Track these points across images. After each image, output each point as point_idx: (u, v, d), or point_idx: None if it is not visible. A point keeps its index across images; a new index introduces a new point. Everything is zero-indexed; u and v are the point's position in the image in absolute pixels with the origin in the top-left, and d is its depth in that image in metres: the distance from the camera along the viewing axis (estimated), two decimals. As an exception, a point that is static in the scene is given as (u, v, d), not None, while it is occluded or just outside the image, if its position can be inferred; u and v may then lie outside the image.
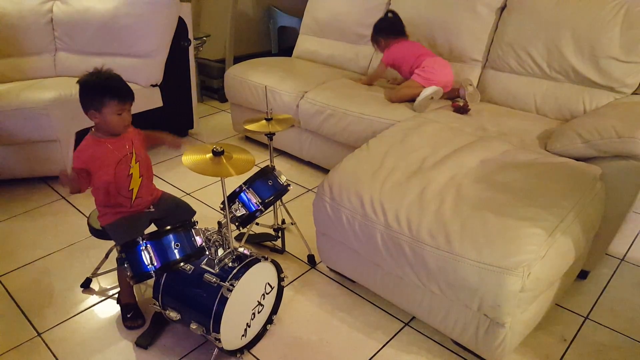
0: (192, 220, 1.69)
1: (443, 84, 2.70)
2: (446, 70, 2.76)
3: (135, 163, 1.88)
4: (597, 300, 2.06)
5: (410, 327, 1.93)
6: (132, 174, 1.87)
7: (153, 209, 1.98)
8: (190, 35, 3.38)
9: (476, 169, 1.89)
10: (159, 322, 1.91)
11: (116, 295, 2.07)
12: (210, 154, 1.61)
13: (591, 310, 2.00)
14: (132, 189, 1.88)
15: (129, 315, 1.93)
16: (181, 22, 3.27)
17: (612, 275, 2.19)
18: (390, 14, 2.98)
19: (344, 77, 3.23)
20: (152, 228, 1.91)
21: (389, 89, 2.89)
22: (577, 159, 1.98)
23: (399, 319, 1.96)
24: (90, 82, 1.75)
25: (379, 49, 3.02)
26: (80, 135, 2.74)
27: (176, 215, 2.00)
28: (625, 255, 2.32)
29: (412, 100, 2.69)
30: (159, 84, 3.27)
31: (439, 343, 1.85)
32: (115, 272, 2.15)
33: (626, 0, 2.38)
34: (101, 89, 1.74)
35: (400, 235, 1.68)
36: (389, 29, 2.95)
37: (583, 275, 2.14)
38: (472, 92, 2.66)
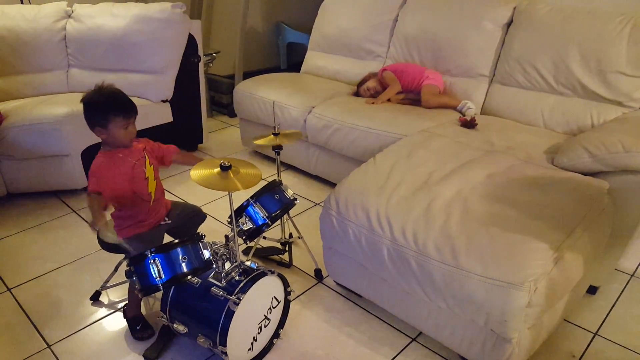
0: (200, 234, 1.70)
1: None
2: (440, 77, 3.04)
3: (150, 166, 1.90)
4: (606, 316, 2.03)
5: (417, 342, 1.92)
6: (148, 177, 1.89)
7: (169, 221, 2.00)
8: (200, 52, 3.44)
9: (483, 184, 1.89)
10: (166, 335, 1.92)
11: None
12: (218, 169, 1.63)
13: (601, 326, 1.98)
14: (151, 192, 1.90)
15: (138, 327, 1.95)
16: (191, 39, 3.33)
17: (622, 291, 2.17)
18: None
19: (351, 93, 3.26)
20: (166, 237, 1.93)
21: (429, 94, 2.95)
22: (585, 174, 1.97)
23: (406, 334, 1.95)
24: (94, 100, 1.77)
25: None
26: (88, 154, 2.80)
27: (189, 221, 2.04)
28: (635, 271, 2.30)
29: (445, 107, 2.91)
30: (169, 99, 3.32)
31: (445, 358, 1.84)
32: (124, 285, 2.17)
33: (632, 15, 2.39)
34: (105, 106, 1.76)
35: (407, 250, 1.68)
36: None
37: (592, 290, 2.12)
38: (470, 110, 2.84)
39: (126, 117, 1.78)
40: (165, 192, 2.10)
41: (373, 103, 3.02)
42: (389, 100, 3.06)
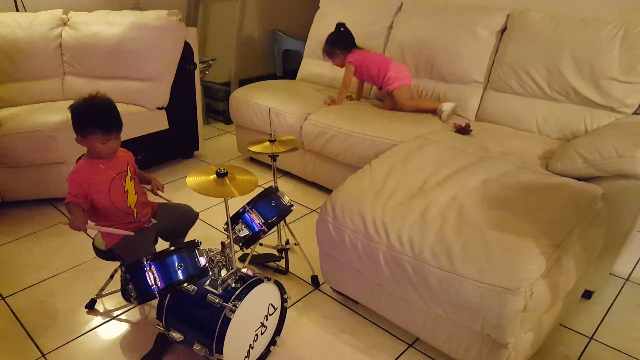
0: (196, 241, 1.70)
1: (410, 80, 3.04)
2: (406, 71, 3.07)
3: (130, 181, 1.92)
4: (602, 321, 2.04)
5: (414, 348, 1.92)
6: (127, 190, 1.90)
7: (155, 221, 2.00)
8: (196, 59, 3.44)
9: (478, 189, 1.90)
10: (162, 343, 1.91)
11: (121, 316, 2.09)
12: (214, 175, 1.63)
13: (596, 331, 1.99)
14: (130, 205, 1.91)
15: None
16: (187, 46, 3.33)
17: (617, 295, 2.18)
18: (342, 28, 3.16)
19: (346, 100, 3.28)
20: (162, 244, 1.93)
21: (405, 99, 2.99)
22: (579, 179, 1.99)
23: (402, 340, 1.95)
24: (78, 111, 1.80)
25: (334, 61, 3.18)
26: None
27: (180, 220, 2.05)
28: (630, 275, 2.31)
29: (422, 111, 2.95)
30: (165, 106, 3.32)
31: (443, 364, 1.84)
32: (120, 293, 2.16)
33: (624, 21, 2.41)
34: (86, 119, 1.78)
35: (403, 255, 1.68)
36: (346, 40, 3.15)
37: (587, 295, 2.13)
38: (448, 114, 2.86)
39: (106, 134, 1.79)
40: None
41: (329, 104, 3.12)
42: (355, 97, 3.26)
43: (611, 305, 2.13)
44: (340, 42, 3.14)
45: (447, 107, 2.85)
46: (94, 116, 1.78)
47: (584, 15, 2.56)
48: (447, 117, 2.84)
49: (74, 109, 1.80)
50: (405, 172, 2.05)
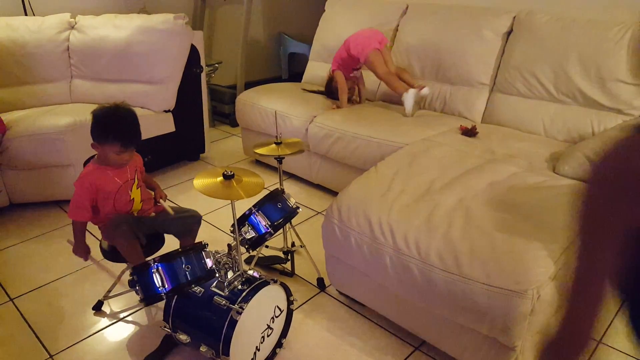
0: (203, 243, 1.71)
1: (377, 43, 3.03)
2: (373, 33, 3.10)
3: (137, 189, 1.92)
4: (610, 324, 2.02)
5: (421, 351, 1.91)
6: (133, 199, 1.91)
7: (154, 214, 2.01)
8: (203, 62, 3.46)
9: (484, 192, 1.90)
10: (168, 344, 1.91)
11: (128, 318, 2.09)
12: (221, 178, 1.64)
13: (604, 334, 1.97)
14: (134, 212, 1.93)
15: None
16: (193, 50, 3.35)
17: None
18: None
19: (348, 105, 3.29)
20: (167, 248, 1.93)
21: (381, 67, 3.02)
22: (586, 181, 1.97)
23: (409, 343, 1.95)
24: (102, 118, 1.79)
25: (334, 86, 3.26)
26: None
27: (180, 220, 2.03)
28: (638, 278, 2.29)
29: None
30: (171, 109, 3.34)
31: (449, 367, 1.83)
32: (126, 295, 2.17)
33: (631, 23, 2.41)
34: (107, 128, 1.78)
35: (409, 258, 1.68)
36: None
37: (595, 298, 2.11)
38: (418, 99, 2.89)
39: (123, 147, 1.80)
40: (168, 201, 2.11)
41: (333, 108, 3.14)
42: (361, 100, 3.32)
43: (619, 308, 2.11)
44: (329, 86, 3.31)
45: (409, 97, 2.88)
46: (115, 127, 1.78)
47: (590, 17, 2.55)
48: (413, 110, 2.88)
49: (96, 115, 1.79)
50: (411, 174, 2.05)
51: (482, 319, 1.54)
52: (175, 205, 2.12)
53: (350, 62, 3.13)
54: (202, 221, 2.11)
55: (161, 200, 2.03)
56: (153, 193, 2.09)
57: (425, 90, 2.92)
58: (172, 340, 1.88)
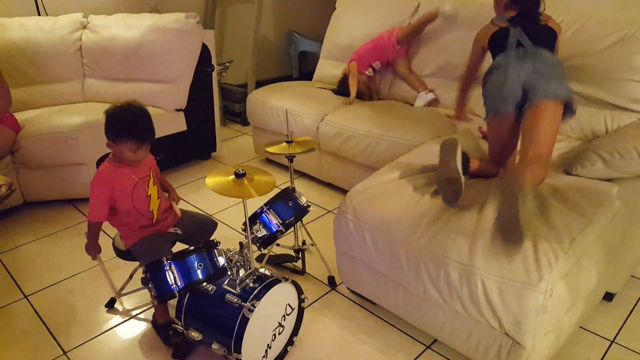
0: (215, 241, 1.72)
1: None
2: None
3: (154, 185, 1.93)
4: (624, 324, 2.01)
5: (432, 350, 1.91)
6: (150, 195, 1.91)
7: (180, 232, 2.02)
8: (214, 61, 3.47)
9: (497, 190, 1.89)
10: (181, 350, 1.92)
11: (140, 315, 2.11)
12: (233, 176, 1.64)
13: (618, 334, 1.95)
14: (152, 210, 1.93)
15: (171, 332, 1.91)
16: (205, 49, 3.36)
17: (640, 298, 2.15)
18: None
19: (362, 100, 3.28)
20: (177, 247, 1.94)
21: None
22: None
23: (420, 342, 1.94)
24: (115, 116, 1.79)
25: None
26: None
27: (200, 231, 2.06)
28: (652, 278, 2.27)
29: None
30: (183, 108, 3.36)
31: (461, 366, 1.83)
32: (139, 292, 2.19)
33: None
34: (122, 126, 1.78)
35: (423, 251, 1.68)
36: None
37: (609, 297, 2.10)
38: (450, 13, 2.99)
39: (138, 144, 1.80)
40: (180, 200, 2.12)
41: (346, 104, 3.16)
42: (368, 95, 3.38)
43: (633, 308, 2.09)
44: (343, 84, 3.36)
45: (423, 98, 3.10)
46: (130, 125, 1.79)
47: (601, 18, 2.52)
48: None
49: (110, 115, 1.80)
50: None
51: (494, 312, 1.54)
52: (190, 210, 2.13)
53: (373, 52, 3.24)
54: (215, 219, 2.12)
55: (173, 203, 2.04)
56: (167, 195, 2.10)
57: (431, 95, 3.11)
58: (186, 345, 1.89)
